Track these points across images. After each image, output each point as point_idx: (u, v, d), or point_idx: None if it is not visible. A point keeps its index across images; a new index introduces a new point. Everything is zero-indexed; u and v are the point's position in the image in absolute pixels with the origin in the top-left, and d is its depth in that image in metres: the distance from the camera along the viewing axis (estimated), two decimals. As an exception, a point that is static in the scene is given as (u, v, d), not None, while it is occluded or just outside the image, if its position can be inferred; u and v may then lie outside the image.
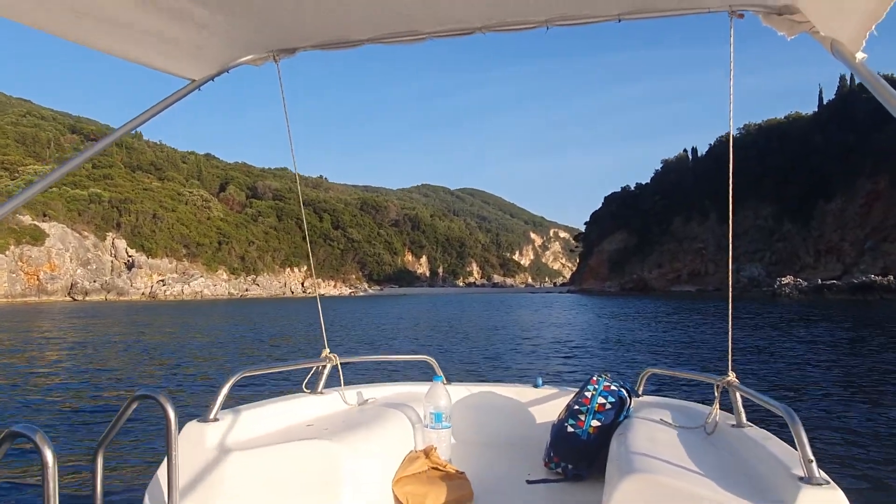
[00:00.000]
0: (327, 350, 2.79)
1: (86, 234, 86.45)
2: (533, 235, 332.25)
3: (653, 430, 2.26)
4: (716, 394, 2.25)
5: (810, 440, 1.60)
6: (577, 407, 2.57)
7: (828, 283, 67.39)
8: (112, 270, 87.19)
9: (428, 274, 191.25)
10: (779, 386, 11.06)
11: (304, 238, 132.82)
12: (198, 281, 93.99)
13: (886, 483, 5.64)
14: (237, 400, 2.41)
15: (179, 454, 1.59)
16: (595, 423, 2.49)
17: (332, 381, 2.81)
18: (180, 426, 1.72)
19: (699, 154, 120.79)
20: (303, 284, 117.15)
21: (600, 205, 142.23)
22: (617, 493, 1.73)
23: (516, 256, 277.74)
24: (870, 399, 9.63)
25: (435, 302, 73.66)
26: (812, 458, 1.58)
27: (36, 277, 73.59)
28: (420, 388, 2.93)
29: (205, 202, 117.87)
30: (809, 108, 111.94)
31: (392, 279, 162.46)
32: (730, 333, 2.43)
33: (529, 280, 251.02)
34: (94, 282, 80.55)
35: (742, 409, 2.19)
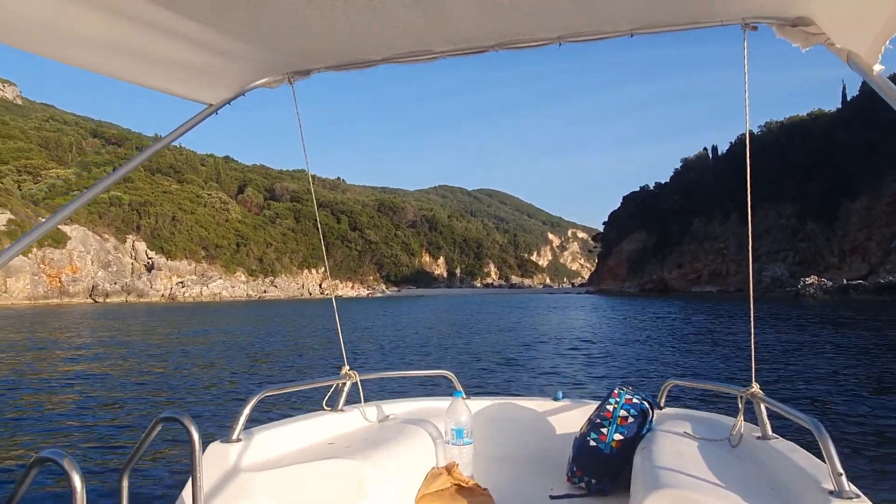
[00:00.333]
0: (347, 367, 2.80)
1: (106, 236, 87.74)
2: (551, 236, 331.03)
3: (677, 443, 2.23)
4: (740, 405, 2.22)
5: (838, 452, 1.56)
6: (598, 420, 2.55)
7: (853, 283, 66.30)
8: (132, 272, 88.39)
9: (445, 275, 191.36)
10: (803, 394, 10.84)
11: (321, 240, 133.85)
12: (216, 283, 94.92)
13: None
14: (258, 419, 2.40)
15: (204, 475, 1.59)
16: (618, 436, 2.48)
17: (352, 398, 2.81)
18: (203, 446, 1.73)
19: (720, 153, 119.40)
20: (320, 286, 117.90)
21: (619, 205, 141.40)
22: None
23: (534, 257, 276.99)
24: (900, 407, 9.42)
25: (452, 303, 73.64)
26: (842, 470, 1.55)
27: (58, 280, 74.79)
28: (440, 404, 2.92)
29: (223, 204, 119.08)
30: (832, 105, 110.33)
31: (409, 280, 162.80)
32: (752, 344, 2.38)
33: (547, 281, 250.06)
34: (115, 284, 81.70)
35: (767, 421, 2.15)
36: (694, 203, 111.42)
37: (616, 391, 2.62)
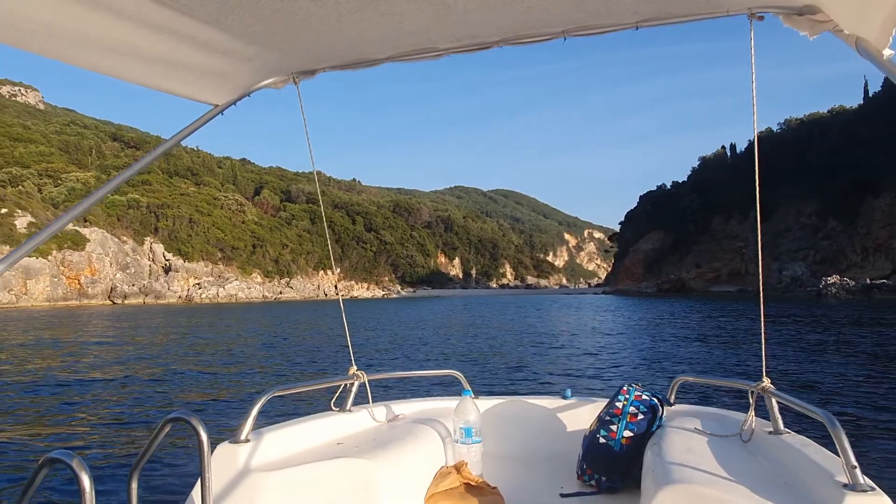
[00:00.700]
0: (354, 367, 2.80)
1: (125, 238, 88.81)
2: (567, 236, 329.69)
3: (687, 439, 2.23)
4: (751, 400, 2.21)
5: (852, 445, 1.55)
6: (608, 418, 2.54)
7: (877, 282, 65.24)
8: (150, 274, 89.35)
9: (461, 275, 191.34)
10: (818, 390, 10.70)
11: (334, 242, 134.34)
12: (232, 284, 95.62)
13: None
14: (266, 419, 2.41)
15: (212, 476, 1.60)
16: (627, 433, 2.46)
17: (360, 398, 2.81)
18: (212, 447, 1.73)
19: (738, 150, 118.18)
20: (336, 287, 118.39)
21: (635, 204, 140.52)
22: None
23: (550, 257, 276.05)
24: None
25: (467, 303, 73.63)
26: (856, 463, 1.54)
27: (77, 281, 75.71)
28: (448, 403, 2.92)
29: (239, 206, 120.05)
30: (854, 102, 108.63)
31: (425, 281, 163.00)
32: (762, 337, 2.35)
33: (564, 281, 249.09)
34: (133, 285, 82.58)
35: (779, 416, 2.14)
36: (712, 202, 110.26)
37: (625, 388, 2.61)
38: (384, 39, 2.02)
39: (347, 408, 2.73)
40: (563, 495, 2.46)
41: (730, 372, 13.67)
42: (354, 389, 2.77)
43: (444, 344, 21.45)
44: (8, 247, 60.10)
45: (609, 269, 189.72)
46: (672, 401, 2.76)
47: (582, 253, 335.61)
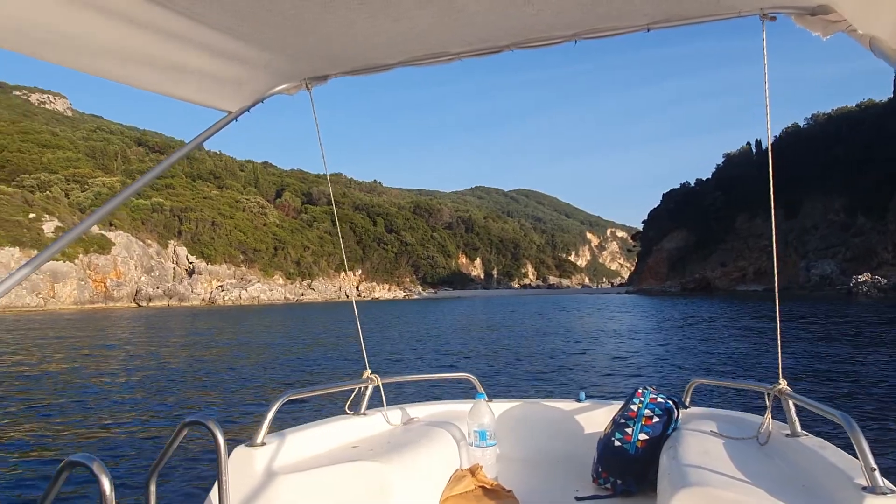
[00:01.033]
0: (369, 371, 2.82)
1: (149, 242, 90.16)
2: (589, 235, 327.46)
3: (703, 441, 2.21)
4: (767, 402, 2.19)
5: (871, 448, 1.53)
6: (623, 420, 2.53)
7: (911, 281, 63.75)
8: (174, 277, 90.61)
9: (482, 276, 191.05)
10: (838, 391, 10.49)
11: (355, 244, 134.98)
12: (255, 286, 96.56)
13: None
14: (282, 422, 2.44)
15: (230, 479, 1.60)
16: (643, 436, 2.45)
17: (374, 402, 2.83)
18: (228, 450, 1.75)
19: (763, 147, 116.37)
20: (357, 288, 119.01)
21: (658, 203, 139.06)
22: None
23: (572, 257, 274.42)
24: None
25: (487, 304, 73.46)
26: (875, 466, 1.52)
27: (103, 284, 77.04)
28: (463, 406, 2.93)
29: (261, 209, 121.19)
30: (884, 95, 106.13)
31: (446, 282, 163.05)
32: (779, 337, 2.32)
33: (586, 281, 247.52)
34: (157, 288, 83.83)
35: (796, 418, 2.11)
36: (737, 199, 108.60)
37: (640, 391, 2.59)
38: (395, 44, 2.03)
39: (362, 411, 2.75)
40: (578, 499, 2.45)
41: (749, 373, 13.50)
42: (369, 393, 2.79)
43: (459, 347, 21.43)
44: (36, 251, 61.34)
45: (632, 268, 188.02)
46: (687, 403, 2.74)
47: (605, 252, 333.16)
